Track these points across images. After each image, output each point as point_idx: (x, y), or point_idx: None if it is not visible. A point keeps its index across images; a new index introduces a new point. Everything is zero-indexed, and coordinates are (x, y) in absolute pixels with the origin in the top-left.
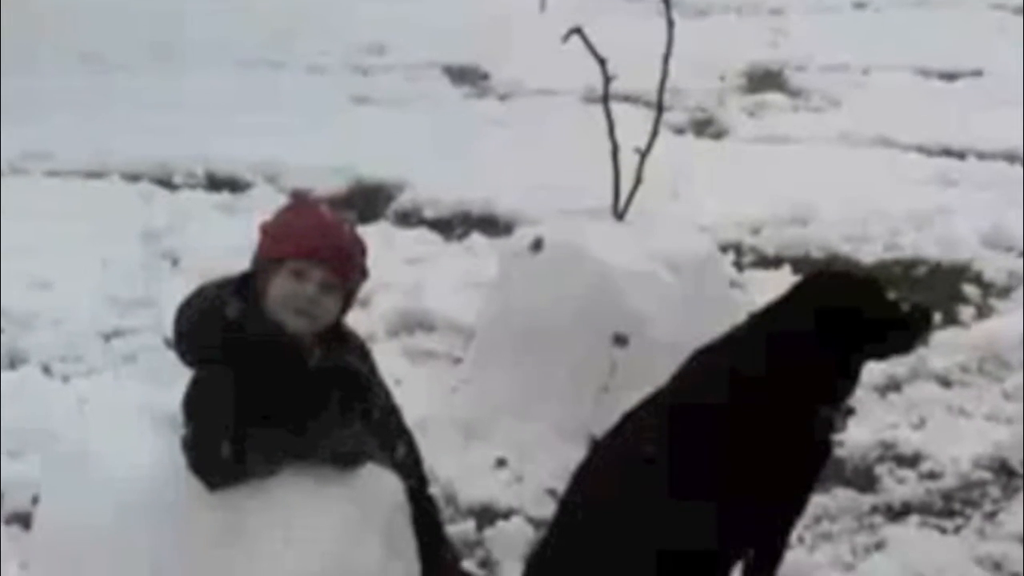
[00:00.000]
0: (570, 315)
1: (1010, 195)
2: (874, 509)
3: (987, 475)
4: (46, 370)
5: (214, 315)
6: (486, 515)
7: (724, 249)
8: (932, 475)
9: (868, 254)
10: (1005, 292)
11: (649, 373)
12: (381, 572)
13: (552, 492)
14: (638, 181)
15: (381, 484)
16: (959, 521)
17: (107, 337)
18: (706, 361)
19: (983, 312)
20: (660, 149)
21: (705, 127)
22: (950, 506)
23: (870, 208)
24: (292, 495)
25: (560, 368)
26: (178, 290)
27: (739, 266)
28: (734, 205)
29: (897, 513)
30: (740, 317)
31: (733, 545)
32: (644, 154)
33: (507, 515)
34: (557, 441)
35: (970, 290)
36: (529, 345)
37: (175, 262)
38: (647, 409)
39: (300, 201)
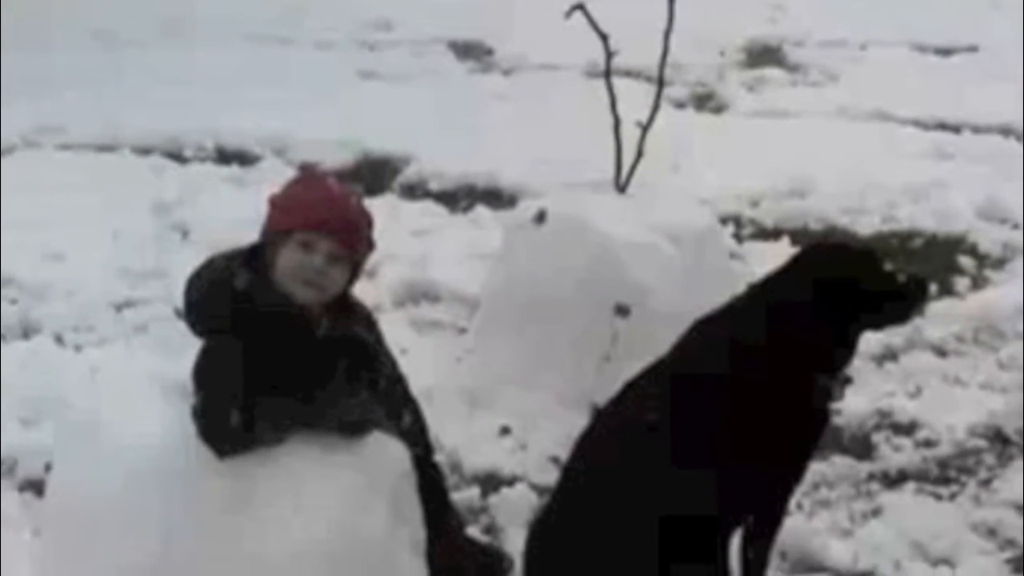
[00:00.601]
0: (573, 286)
1: (1004, 168)
2: (871, 476)
3: (982, 443)
4: (59, 340)
5: (223, 286)
6: (490, 482)
7: (724, 221)
8: (928, 443)
9: (865, 226)
10: (1000, 263)
11: (650, 343)
12: (387, 538)
13: (555, 459)
14: (639, 154)
15: (387, 452)
16: (955, 488)
17: (119, 308)
18: (706, 331)
19: (978, 283)
20: (661, 123)
21: (705, 101)
22: (946, 473)
23: (867, 181)
24: (300, 463)
25: (563, 338)
26: (188, 261)
27: (739, 238)
28: (734, 178)
29: (894, 480)
30: (740, 288)
31: (733, 511)
32: (645, 128)
33: (511, 482)
34: (560, 409)
35: (965, 261)
36: (533, 315)
37: (185, 234)
38: (648, 378)
39: (308, 174)
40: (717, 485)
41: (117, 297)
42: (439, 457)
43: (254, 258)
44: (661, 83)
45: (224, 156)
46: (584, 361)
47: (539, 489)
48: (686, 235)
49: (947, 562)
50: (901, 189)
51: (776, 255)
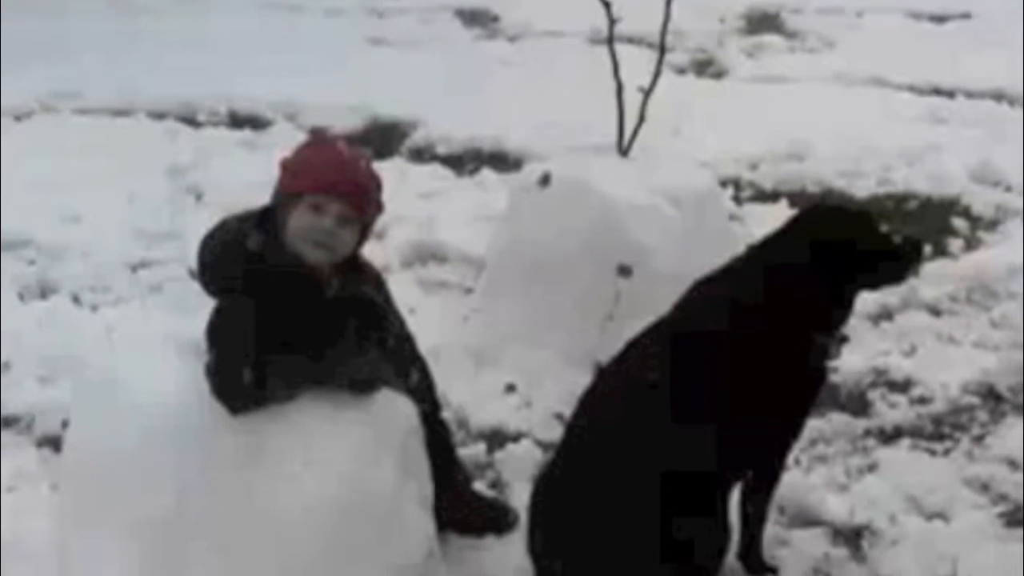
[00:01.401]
0: (576, 247)
1: (997, 132)
2: (867, 433)
3: (975, 400)
4: (76, 300)
5: (236, 247)
6: (496, 438)
7: (724, 184)
8: (923, 400)
9: (861, 189)
10: (992, 225)
11: (652, 303)
12: (396, 493)
13: (559, 416)
14: (641, 119)
15: (396, 409)
16: (948, 444)
17: (134, 268)
18: (706, 291)
19: (971, 244)
20: (662, 88)
21: (706, 67)
22: (940, 430)
23: (863, 145)
24: (311, 419)
25: (567, 298)
26: (202, 223)
27: (738, 200)
28: (733, 142)
29: (889, 436)
30: (739, 249)
31: (733, 467)
32: (647, 93)
33: (516, 438)
34: (564, 368)
35: (959, 223)
36: (537, 276)
37: (199, 197)
38: (650, 337)
39: (318, 138)
40: (717, 441)
41: (133, 258)
42: (446, 414)
43: (266, 220)
44: (663, 49)
45: (237, 121)
46: (587, 320)
47: (544, 445)
48: (687, 197)
49: (941, 516)
50: (896, 153)
51: (774, 217)
